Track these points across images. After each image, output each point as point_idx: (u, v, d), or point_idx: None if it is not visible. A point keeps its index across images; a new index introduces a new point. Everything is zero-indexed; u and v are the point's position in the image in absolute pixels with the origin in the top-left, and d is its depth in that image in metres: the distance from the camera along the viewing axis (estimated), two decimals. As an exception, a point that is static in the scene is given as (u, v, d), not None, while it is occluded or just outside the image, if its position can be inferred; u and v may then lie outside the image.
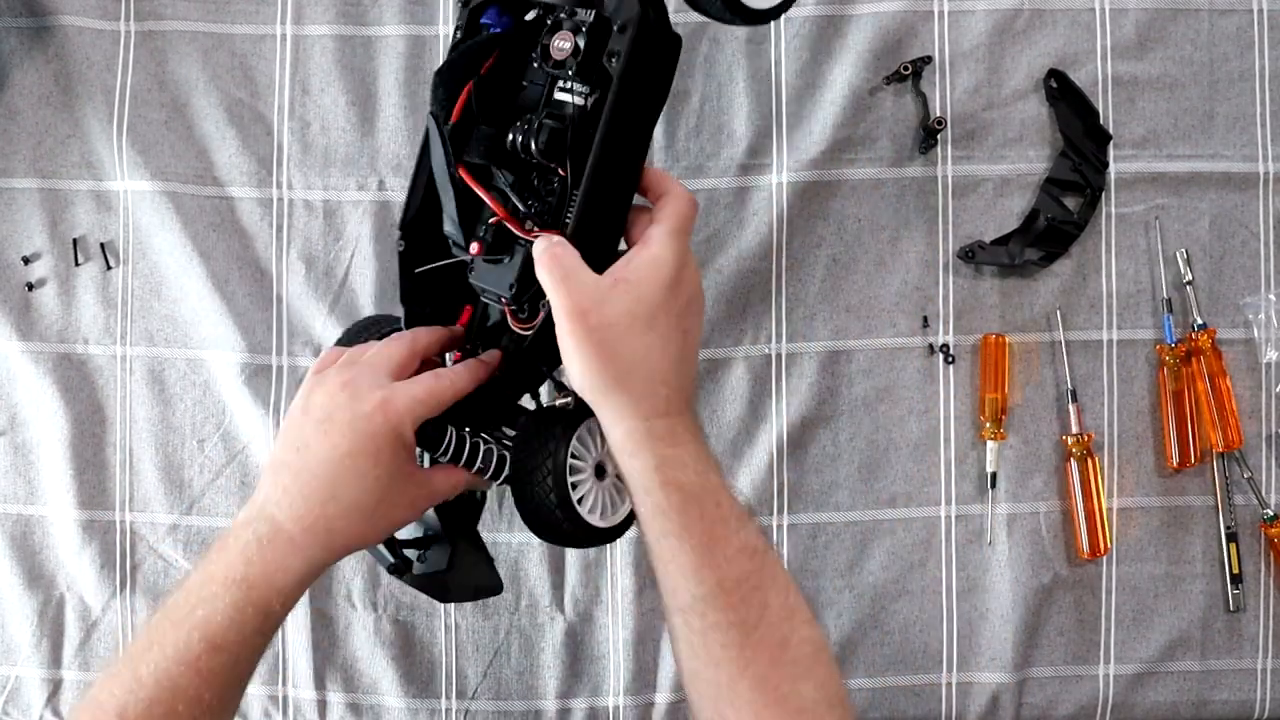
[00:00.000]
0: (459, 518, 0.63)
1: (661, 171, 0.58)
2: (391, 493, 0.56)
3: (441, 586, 0.63)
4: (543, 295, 0.54)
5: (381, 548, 0.61)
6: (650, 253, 0.55)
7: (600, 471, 0.57)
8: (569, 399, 0.57)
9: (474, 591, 0.66)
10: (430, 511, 0.61)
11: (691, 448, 0.54)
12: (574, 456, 0.55)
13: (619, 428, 0.54)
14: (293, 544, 0.55)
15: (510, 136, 0.56)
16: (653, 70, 0.55)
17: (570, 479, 0.55)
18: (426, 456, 0.59)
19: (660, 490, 0.53)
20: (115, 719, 0.53)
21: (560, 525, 0.56)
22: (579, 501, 0.55)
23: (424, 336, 0.60)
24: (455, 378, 0.57)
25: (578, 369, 0.54)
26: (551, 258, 0.53)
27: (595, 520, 0.56)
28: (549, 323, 0.54)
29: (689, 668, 0.54)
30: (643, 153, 0.57)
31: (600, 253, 0.55)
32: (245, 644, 0.55)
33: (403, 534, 0.62)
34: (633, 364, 0.54)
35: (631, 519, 0.56)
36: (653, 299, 0.54)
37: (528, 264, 0.55)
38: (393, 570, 0.62)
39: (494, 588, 0.65)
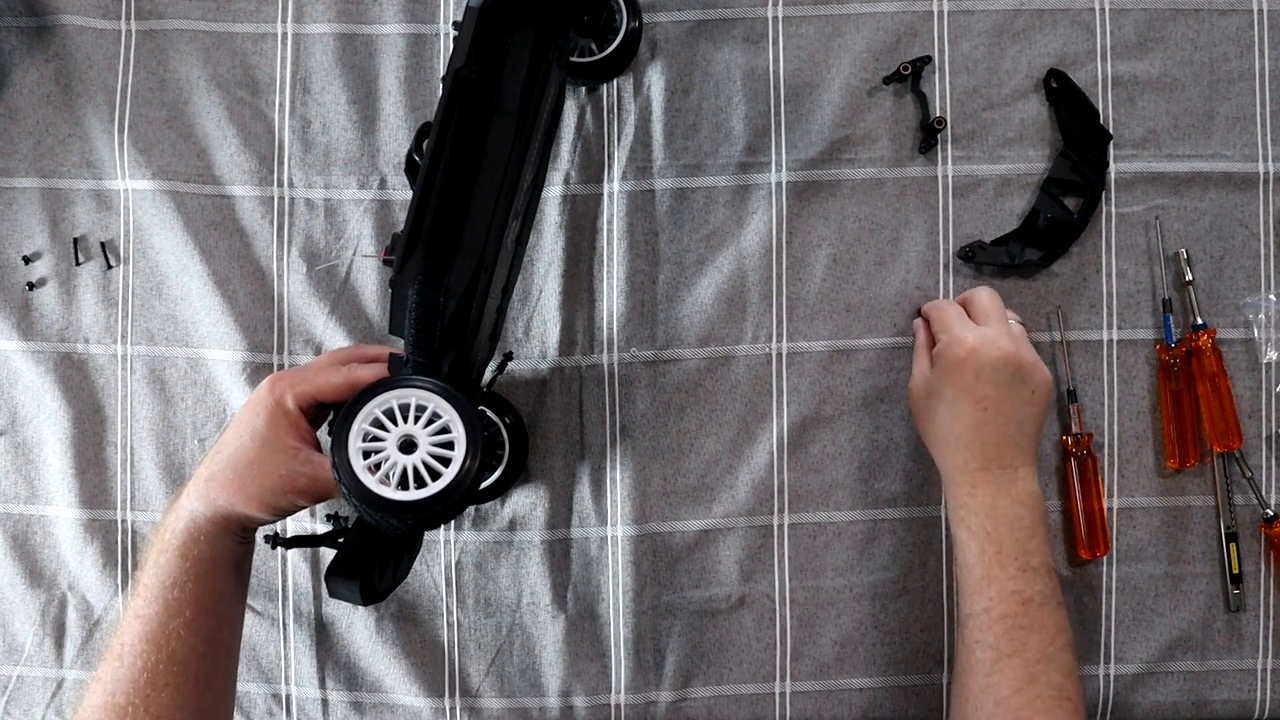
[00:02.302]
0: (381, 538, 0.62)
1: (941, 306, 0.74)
2: (265, 458, 0.61)
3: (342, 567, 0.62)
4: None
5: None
6: (941, 341, 0.70)
7: (408, 447, 0.56)
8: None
9: (339, 589, 0.63)
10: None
11: (985, 499, 0.67)
12: (376, 425, 0.56)
13: (943, 475, 0.71)
14: (181, 495, 0.63)
15: None
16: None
17: (365, 446, 0.56)
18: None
19: (953, 526, 0.69)
20: (108, 694, 0.60)
21: (363, 515, 0.56)
22: (375, 468, 0.55)
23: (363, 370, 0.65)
24: (343, 372, 0.63)
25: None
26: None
27: (390, 492, 0.55)
28: None
29: (956, 663, 0.68)
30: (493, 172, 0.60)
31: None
32: (176, 601, 0.61)
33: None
34: (932, 430, 0.70)
35: (457, 494, 0.55)
36: (939, 380, 0.69)
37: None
38: (267, 539, 0.68)
39: (352, 599, 0.62)
